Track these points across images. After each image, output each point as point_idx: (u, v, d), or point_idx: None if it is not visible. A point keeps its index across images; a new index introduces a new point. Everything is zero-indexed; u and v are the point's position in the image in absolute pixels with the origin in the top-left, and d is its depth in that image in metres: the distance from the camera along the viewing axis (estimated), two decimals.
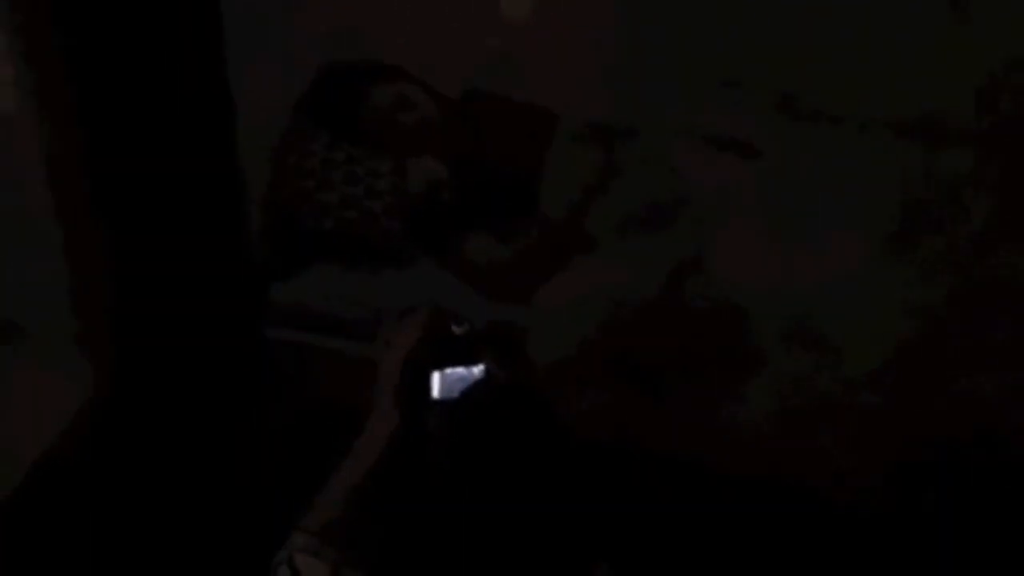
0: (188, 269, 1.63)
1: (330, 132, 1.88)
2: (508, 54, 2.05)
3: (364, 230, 1.83)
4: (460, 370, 1.19)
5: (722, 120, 1.89)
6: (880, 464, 1.56)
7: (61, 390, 1.68)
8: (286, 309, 1.74)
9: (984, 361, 1.60)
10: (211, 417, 1.65)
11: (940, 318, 1.59)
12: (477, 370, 1.19)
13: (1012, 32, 1.69)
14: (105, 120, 1.51)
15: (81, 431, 1.64)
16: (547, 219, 1.88)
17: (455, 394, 1.18)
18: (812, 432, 1.59)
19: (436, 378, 1.18)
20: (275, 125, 1.90)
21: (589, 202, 1.86)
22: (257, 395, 1.66)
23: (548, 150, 1.93)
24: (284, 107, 1.93)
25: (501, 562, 1.16)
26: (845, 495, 1.53)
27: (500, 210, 1.91)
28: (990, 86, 1.70)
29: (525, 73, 2.03)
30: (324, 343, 1.71)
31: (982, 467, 1.54)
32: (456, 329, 1.20)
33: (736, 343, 1.66)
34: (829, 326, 1.67)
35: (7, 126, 1.48)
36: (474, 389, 1.16)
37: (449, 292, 1.81)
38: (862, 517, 1.52)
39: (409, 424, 1.22)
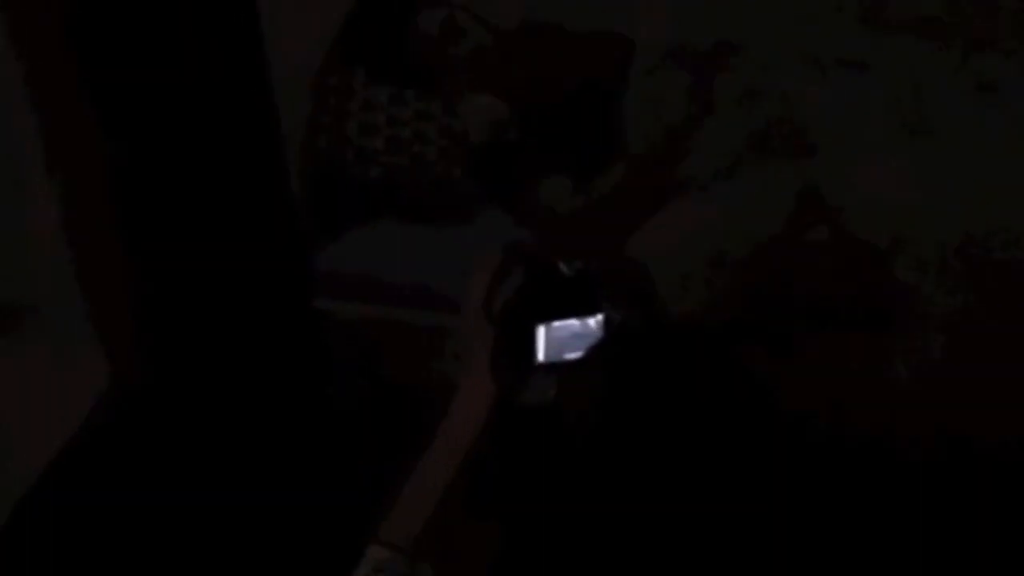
0: (218, 238, 1.38)
1: (371, 69, 1.61)
2: None
3: (417, 179, 1.56)
4: (573, 323, 0.91)
5: (818, 34, 1.61)
6: None
7: (77, 380, 1.43)
8: (337, 277, 1.47)
9: None
10: (256, 405, 1.39)
11: None
12: (595, 322, 0.92)
13: None
14: (111, 65, 1.25)
15: (102, 424, 1.38)
16: (634, 157, 1.59)
17: (568, 354, 0.91)
18: (975, 390, 1.30)
19: (541, 334, 0.90)
20: (310, 66, 1.64)
21: (682, 135, 1.57)
22: (310, 378, 1.39)
23: (626, 80, 1.65)
24: (321, 45, 1.66)
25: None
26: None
27: (576, 150, 1.63)
28: None
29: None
30: (389, 314, 1.44)
31: None
32: (564, 269, 0.93)
33: (877, 288, 1.37)
34: (985, 250, 1.37)
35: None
36: (602, 345, 0.89)
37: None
38: None
39: (509, 397, 0.94)
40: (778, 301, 1.39)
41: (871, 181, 1.46)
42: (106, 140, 1.22)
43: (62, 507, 1.29)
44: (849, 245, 1.39)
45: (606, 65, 1.66)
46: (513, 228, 1.59)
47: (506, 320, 0.91)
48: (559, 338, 0.92)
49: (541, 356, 0.91)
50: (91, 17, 1.16)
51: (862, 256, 1.39)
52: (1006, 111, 1.48)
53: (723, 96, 1.59)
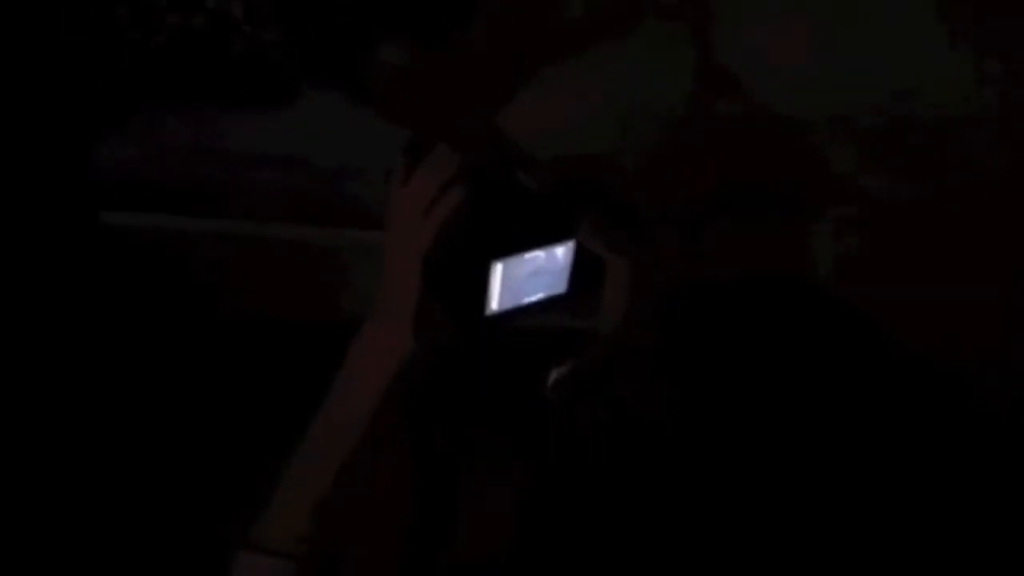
0: None
1: None
2: None
3: (219, 46, 1.18)
4: (538, 254, 0.65)
5: None
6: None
7: None
8: (129, 179, 1.09)
9: None
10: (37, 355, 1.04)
11: None
12: (563, 251, 0.66)
13: None
14: None
15: None
16: (492, 11, 1.31)
17: (527, 298, 0.65)
18: (904, 275, 1.19)
19: (498, 272, 0.64)
20: None
21: None
22: (103, 320, 1.04)
23: None
24: None
25: None
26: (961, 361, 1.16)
27: (420, 3, 1.31)
28: None
29: None
30: (207, 227, 1.09)
31: None
32: (523, 178, 0.66)
33: (791, 165, 1.20)
34: (905, 121, 1.23)
35: None
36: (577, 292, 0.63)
37: (365, 133, 1.23)
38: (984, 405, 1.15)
39: (440, 356, 0.69)
40: (688, 184, 1.20)
41: (772, 40, 1.27)
42: None
43: None
44: (760, 119, 1.21)
45: None
46: (348, 107, 1.27)
47: (445, 251, 0.64)
48: (517, 277, 0.66)
49: (496, 303, 0.65)
50: None
51: (775, 131, 1.21)
52: None
53: None
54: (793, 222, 1.18)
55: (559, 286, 0.69)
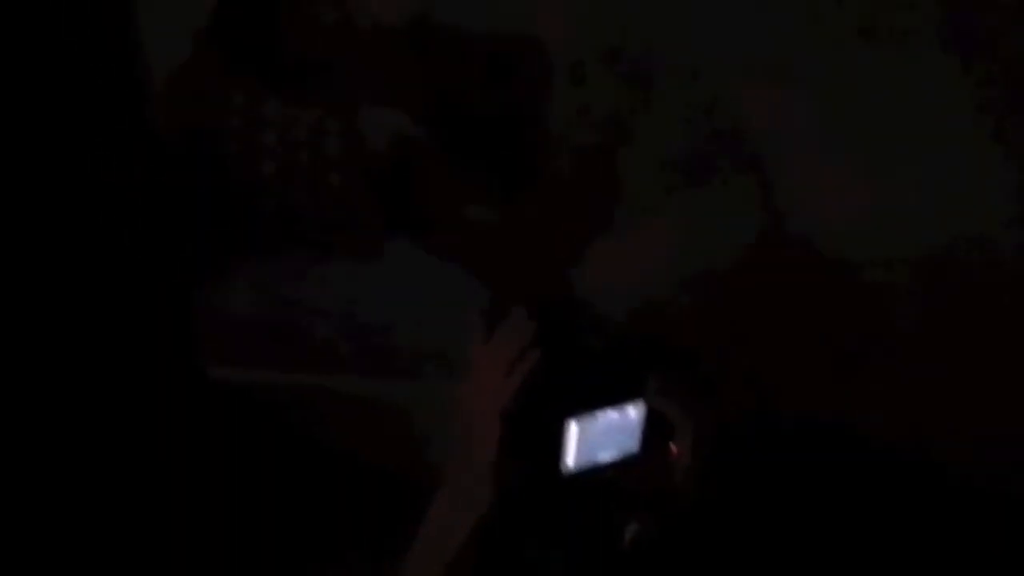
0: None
1: (251, 72, 1.33)
2: None
3: (312, 208, 1.31)
4: (611, 414, 0.71)
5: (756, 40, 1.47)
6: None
7: None
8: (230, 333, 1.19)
9: None
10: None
11: None
12: (634, 410, 0.72)
13: None
14: None
15: None
16: (557, 175, 1.41)
17: (601, 454, 0.70)
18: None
19: (574, 432, 0.70)
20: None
21: (614, 146, 1.40)
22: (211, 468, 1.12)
23: (542, 91, 1.46)
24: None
25: None
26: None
27: (491, 169, 1.42)
28: None
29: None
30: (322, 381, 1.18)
31: None
32: (593, 341, 0.72)
33: (847, 310, 1.26)
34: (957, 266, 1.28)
35: None
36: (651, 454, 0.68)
37: (444, 288, 1.33)
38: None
39: (516, 511, 0.74)
40: (748, 334, 1.26)
41: (820, 196, 1.34)
42: None
43: None
44: (817, 265, 1.28)
45: (514, 74, 1.46)
46: (430, 261, 1.38)
47: (522, 409, 0.70)
48: (592, 435, 0.72)
49: (572, 461, 0.71)
50: None
51: (832, 276, 1.27)
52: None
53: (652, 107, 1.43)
54: (845, 368, 1.23)
55: (632, 445, 0.74)
